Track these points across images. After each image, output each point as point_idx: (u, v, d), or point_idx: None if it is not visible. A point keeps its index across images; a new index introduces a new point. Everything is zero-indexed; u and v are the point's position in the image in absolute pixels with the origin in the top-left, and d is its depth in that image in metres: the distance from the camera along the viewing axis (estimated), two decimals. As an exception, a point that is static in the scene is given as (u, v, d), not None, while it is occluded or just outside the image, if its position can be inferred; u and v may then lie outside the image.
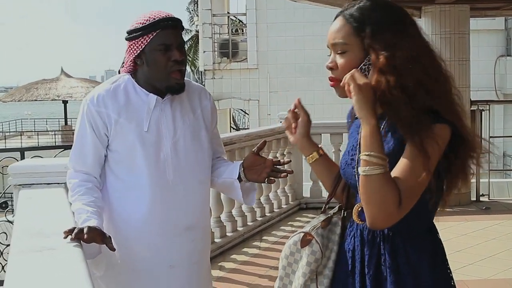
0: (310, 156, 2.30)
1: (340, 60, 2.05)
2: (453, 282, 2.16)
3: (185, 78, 2.81)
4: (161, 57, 2.65)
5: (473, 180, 8.66)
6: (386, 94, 1.95)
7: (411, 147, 1.94)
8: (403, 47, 1.98)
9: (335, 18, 2.10)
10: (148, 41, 2.64)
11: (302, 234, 2.19)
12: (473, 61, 8.76)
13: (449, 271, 2.15)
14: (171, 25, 2.67)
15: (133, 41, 2.68)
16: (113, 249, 2.44)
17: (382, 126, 2.04)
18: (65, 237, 2.32)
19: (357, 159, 2.05)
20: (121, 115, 2.70)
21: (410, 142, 1.94)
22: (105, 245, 2.43)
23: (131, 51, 2.70)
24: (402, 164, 1.95)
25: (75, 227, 2.37)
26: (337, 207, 2.32)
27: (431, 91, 1.97)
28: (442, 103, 1.99)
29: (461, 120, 2.02)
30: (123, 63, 2.81)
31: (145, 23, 2.65)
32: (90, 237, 2.35)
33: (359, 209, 2.11)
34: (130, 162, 2.73)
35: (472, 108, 8.65)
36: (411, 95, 1.94)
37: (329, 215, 2.27)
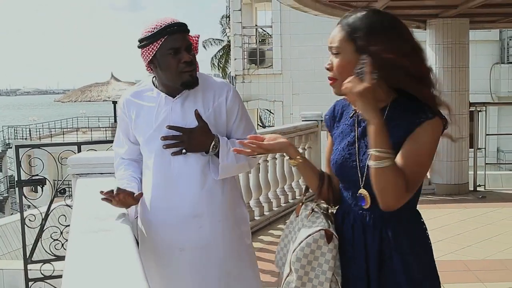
0: (298, 157, 2.22)
1: (335, 61, 2.05)
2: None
3: (207, 74, 2.74)
4: (172, 60, 2.57)
5: (471, 172, 8.66)
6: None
7: (415, 135, 1.95)
8: (393, 48, 1.94)
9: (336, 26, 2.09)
10: (158, 47, 2.56)
11: (323, 231, 2.08)
12: (472, 68, 8.65)
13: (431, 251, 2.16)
14: (177, 30, 2.57)
15: (145, 49, 2.60)
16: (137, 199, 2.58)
17: (385, 113, 2.01)
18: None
19: (359, 154, 2.06)
20: (138, 116, 2.70)
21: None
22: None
23: (144, 58, 2.63)
24: (407, 151, 1.95)
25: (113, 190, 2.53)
26: (314, 204, 2.26)
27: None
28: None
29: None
30: None
31: (153, 31, 2.57)
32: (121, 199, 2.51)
33: (359, 196, 2.07)
34: (144, 155, 2.75)
35: (470, 109, 8.59)
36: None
37: (323, 212, 2.21)
